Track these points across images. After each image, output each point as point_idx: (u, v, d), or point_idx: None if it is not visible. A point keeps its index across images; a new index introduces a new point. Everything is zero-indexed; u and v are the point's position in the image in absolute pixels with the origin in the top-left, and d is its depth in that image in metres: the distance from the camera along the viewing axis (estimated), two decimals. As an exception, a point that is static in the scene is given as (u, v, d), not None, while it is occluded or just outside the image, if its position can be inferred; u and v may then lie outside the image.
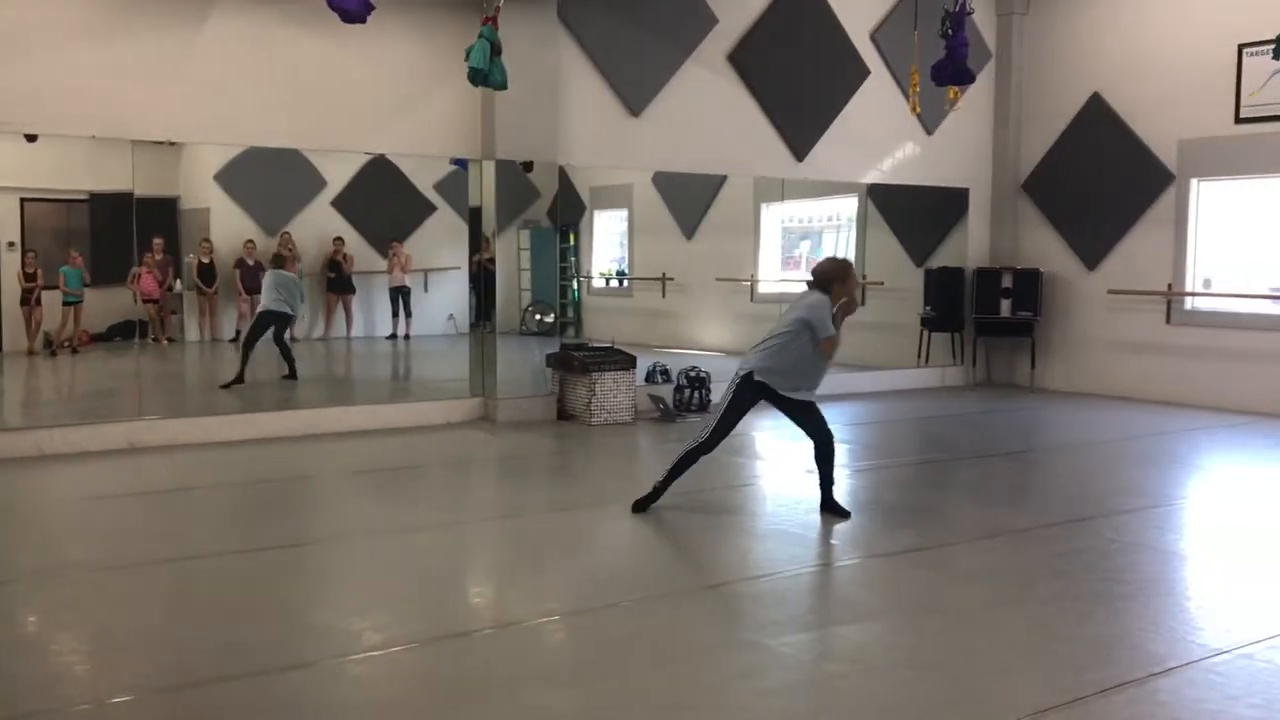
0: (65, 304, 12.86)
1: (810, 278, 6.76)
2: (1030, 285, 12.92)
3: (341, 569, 5.78)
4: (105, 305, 13.04)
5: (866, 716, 3.83)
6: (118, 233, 11.31)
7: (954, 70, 9.56)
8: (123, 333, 13.20)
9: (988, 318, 13.12)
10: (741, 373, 6.67)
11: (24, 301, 12.67)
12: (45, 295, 12.73)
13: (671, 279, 14.76)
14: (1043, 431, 10.81)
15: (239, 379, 11.27)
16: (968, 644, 4.56)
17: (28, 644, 4.62)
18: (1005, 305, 13.04)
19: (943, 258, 13.54)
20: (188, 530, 6.53)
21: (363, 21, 7.67)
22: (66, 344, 12.94)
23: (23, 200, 12.79)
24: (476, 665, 4.33)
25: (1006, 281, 13.04)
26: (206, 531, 6.52)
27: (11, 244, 12.80)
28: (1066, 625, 4.80)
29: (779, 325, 6.67)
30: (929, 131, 12.83)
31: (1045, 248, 13.09)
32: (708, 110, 11.32)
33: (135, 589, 5.30)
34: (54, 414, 10.77)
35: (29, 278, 12.62)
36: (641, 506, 6.68)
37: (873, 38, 12.42)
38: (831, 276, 6.61)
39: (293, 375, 11.72)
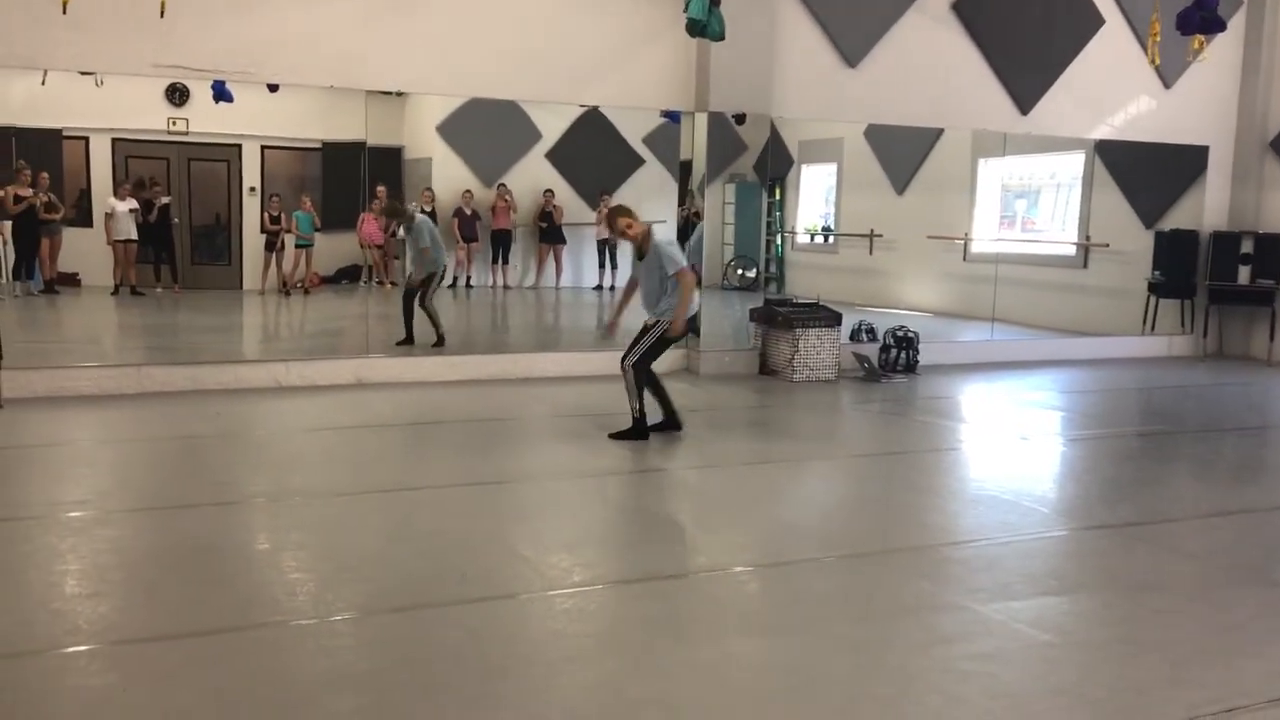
0: (297, 247, 13.69)
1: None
2: (1273, 251, 12.01)
3: (548, 507, 5.96)
4: (334, 249, 13.82)
5: (1077, 690, 3.70)
6: (347, 181, 11.93)
7: (1202, 18, 8.91)
8: (349, 276, 13.98)
9: (1223, 285, 12.27)
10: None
11: (269, 245, 13.53)
12: (286, 239, 13.59)
13: (880, 236, 14.45)
14: (1279, 408, 10.08)
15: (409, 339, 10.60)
16: (1189, 625, 4.32)
17: (262, 561, 4.98)
18: (1244, 272, 12.17)
19: (1175, 220, 12.73)
20: (408, 463, 6.88)
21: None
22: (299, 285, 13.78)
23: (263, 148, 13.65)
24: (677, 608, 4.41)
25: (1246, 246, 12.16)
26: (425, 465, 6.86)
27: (253, 189, 13.70)
28: (1304, 612, 4.49)
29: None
30: (1167, 85, 12.05)
31: (1293, 211, 12.12)
32: (928, 61, 10.96)
33: (359, 515, 5.62)
34: (289, 349, 11.51)
35: (273, 220, 13.47)
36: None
37: (1109, -16, 11.74)
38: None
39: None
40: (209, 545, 5.00)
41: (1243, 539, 5.56)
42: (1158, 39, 9.26)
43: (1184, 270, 12.50)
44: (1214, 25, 9.01)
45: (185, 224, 13.67)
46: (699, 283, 7.04)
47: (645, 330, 7.36)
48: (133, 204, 13.09)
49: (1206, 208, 12.53)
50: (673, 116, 11.10)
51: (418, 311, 10.61)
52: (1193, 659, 3.96)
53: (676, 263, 7.18)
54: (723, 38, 8.67)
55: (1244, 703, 3.57)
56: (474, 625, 4.13)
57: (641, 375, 7.36)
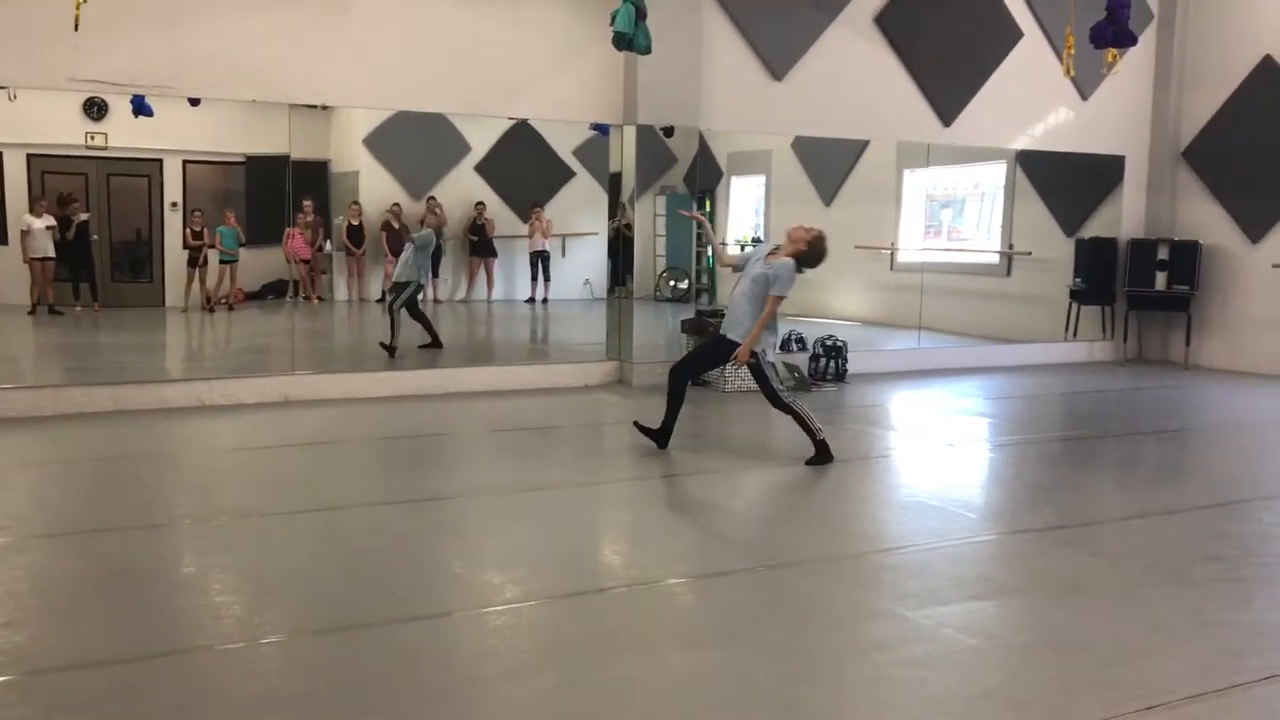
0: (221, 263, 13.45)
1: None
2: (1188, 258, 12.35)
3: (480, 523, 5.91)
4: (259, 265, 13.60)
5: (1003, 692, 3.75)
6: (272, 194, 11.76)
7: (1114, 32, 9.15)
8: (275, 291, 13.76)
9: (1141, 291, 12.60)
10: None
11: (191, 262, 13.27)
12: (209, 255, 13.34)
13: (809, 246, 14.57)
14: (1197, 410, 10.35)
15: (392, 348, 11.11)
16: (1114, 625, 4.41)
17: (186, 584, 4.87)
18: (1160, 278, 12.50)
19: (1095, 228, 13.04)
20: (336, 481, 6.78)
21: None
22: (223, 301, 13.54)
23: (185, 162, 13.40)
24: (612, 622, 4.39)
25: (1162, 253, 12.49)
26: (354, 483, 6.76)
27: (175, 204, 13.44)
28: (1223, 609, 4.60)
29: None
30: (1084, 96, 12.34)
31: (1205, 219, 12.47)
32: (852, 74, 11.10)
33: (287, 535, 5.53)
34: (213, 368, 11.30)
35: (196, 236, 13.21)
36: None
37: (1026, -2, 12.01)
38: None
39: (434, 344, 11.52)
40: (131, 569, 4.88)
41: (1163, 540, 5.70)
42: (1072, 52, 9.49)
43: (1104, 277, 12.81)
44: (1125, 39, 9.26)
45: (105, 241, 13.37)
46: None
47: (752, 368, 7.22)
48: (50, 221, 12.76)
49: (1124, 216, 12.86)
50: (602, 129, 11.12)
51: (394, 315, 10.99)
52: (1116, 658, 4.04)
53: (783, 285, 7.12)
54: (649, 51, 8.71)
55: (1165, 700, 3.65)
56: (406, 644, 4.07)
57: (778, 391, 7.17)
